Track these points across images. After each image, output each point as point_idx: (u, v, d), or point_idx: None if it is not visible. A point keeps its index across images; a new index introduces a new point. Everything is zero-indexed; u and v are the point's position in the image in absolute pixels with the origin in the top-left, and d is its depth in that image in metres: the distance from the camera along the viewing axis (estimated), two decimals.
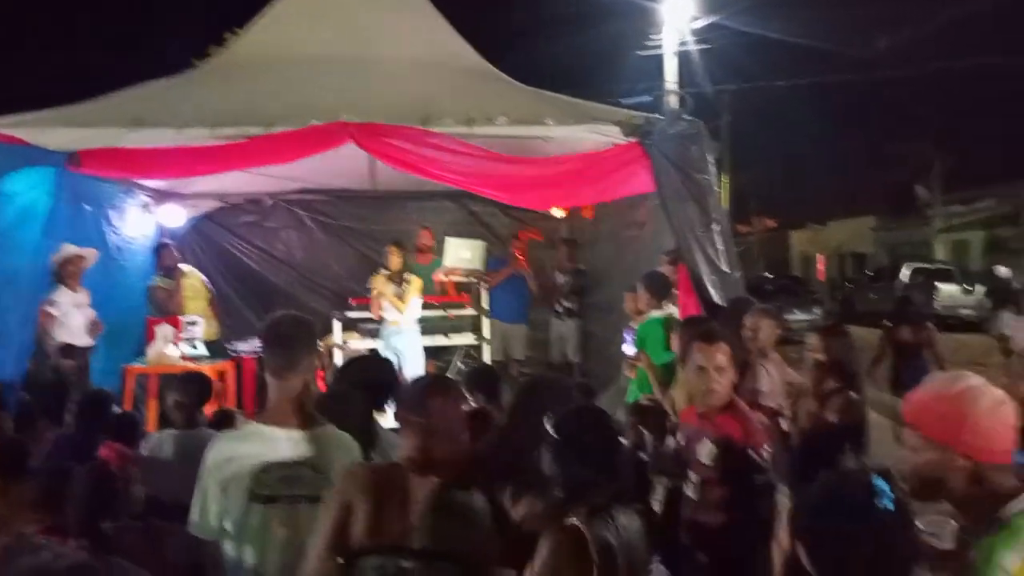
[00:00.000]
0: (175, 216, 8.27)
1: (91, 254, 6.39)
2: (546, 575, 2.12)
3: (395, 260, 7.25)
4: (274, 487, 2.50)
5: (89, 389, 5.20)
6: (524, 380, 3.87)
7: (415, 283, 7.35)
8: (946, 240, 30.01)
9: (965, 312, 22.33)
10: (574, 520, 2.20)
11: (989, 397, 1.86)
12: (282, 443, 2.53)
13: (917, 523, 2.21)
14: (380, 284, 7.28)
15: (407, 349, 7.31)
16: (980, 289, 22.72)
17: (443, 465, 2.30)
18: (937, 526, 2.19)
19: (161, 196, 8.12)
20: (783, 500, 4.65)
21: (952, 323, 21.58)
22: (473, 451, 3.05)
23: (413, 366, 7.23)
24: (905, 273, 24.39)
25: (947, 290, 22.94)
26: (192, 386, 4.00)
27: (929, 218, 31.06)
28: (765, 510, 3.03)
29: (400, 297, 7.23)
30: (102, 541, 2.78)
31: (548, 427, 2.37)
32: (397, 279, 7.23)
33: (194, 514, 2.55)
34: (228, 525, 2.53)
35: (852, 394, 4.05)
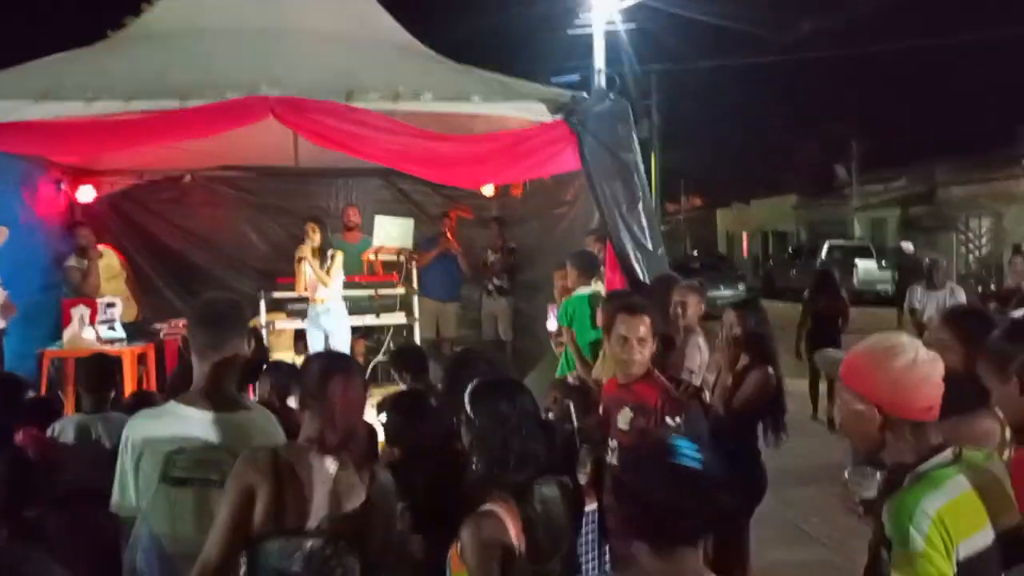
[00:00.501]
0: (90, 194, 7.96)
1: (1, 233, 6.12)
2: (471, 564, 2.13)
3: (316, 236, 7.12)
4: (187, 469, 2.44)
5: (1, 373, 5.00)
6: (454, 354, 3.88)
7: (338, 257, 7.25)
8: (864, 218, 31.04)
9: (881, 287, 23.23)
10: (490, 506, 2.21)
11: (909, 355, 1.92)
12: (199, 425, 2.47)
13: (845, 473, 2.31)
14: (304, 253, 7.11)
15: (335, 328, 7.22)
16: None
17: (344, 445, 2.29)
18: (862, 476, 2.29)
19: (75, 173, 7.82)
20: None
21: (868, 298, 22.43)
22: (397, 430, 3.06)
23: (340, 344, 7.15)
24: (824, 250, 25.20)
25: (864, 266, 23.81)
26: (95, 369, 3.87)
27: (847, 197, 32.06)
28: None
29: (327, 271, 7.12)
30: (23, 529, 2.70)
31: (465, 403, 2.37)
32: (320, 256, 7.11)
33: (115, 493, 2.51)
34: (144, 505, 2.48)
35: (769, 369, 4.17)
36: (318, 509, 2.23)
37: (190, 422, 2.47)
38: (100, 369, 3.91)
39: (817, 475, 6.79)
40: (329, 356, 2.67)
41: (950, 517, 1.81)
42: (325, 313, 7.20)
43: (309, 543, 2.20)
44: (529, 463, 2.28)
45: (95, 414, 3.68)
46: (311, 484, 2.24)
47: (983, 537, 1.85)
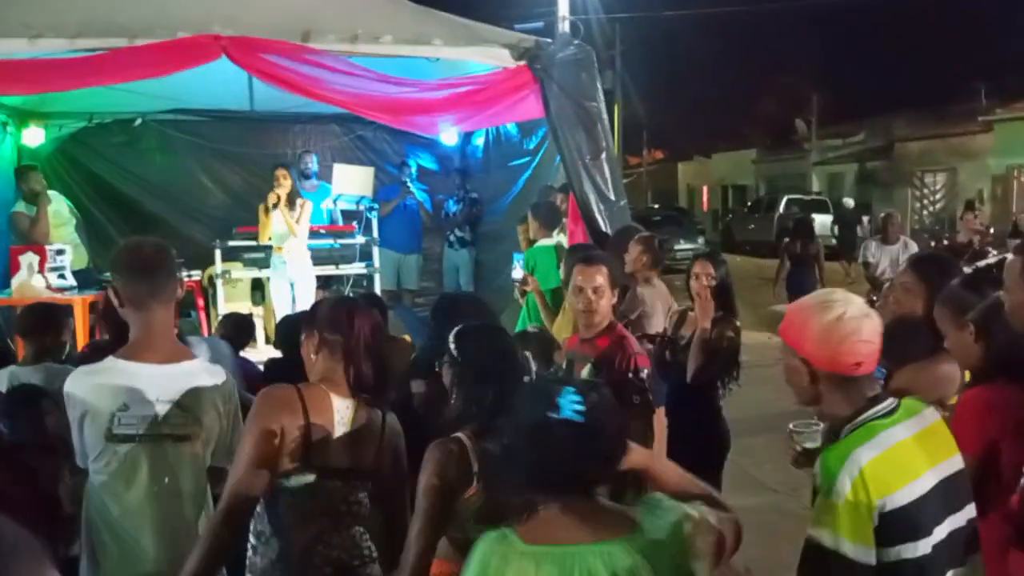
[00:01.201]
0: (37, 136, 7.68)
1: None
2: (428, 484, 2.16)
3: (287, 184, 6.97)
4: (135, 426, 2.37)
5: None
6: (436, 299, 3.87)
7: (308, 206, 7.12)
8: (821, 172, 31.36)
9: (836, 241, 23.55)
10: (458, 434, 2.24)
11: (837, 311, 1.90)
12: (144, 379, 2.38)
13: (790, 425, 2.36)
14: (274, 200, 6.96)
15: (300, 278, 7.12)
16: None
17: (361, 384, 2.35)
18: (806, 427, 2.33)
19: (21, 115, 7.53)
20: (661, 420, 4.83)
21: (825, 252, 22.76)
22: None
23: (306, 295, 7.07)
24: (782, 204, 25.46)
25: (821, 221, 24.09)
26: (35, 318, 3.73)
27: (806, 151, 32.31)
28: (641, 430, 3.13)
29: (297, 220, 6.99)
30: None
31: (450, 344, 2.38)
32: (290, 202, 6.97)
33: (76, 446, 2.46)
34: (91, 464, 2.43)
35: (736, 321, 4.20)
36: (337, 447, 2.29)
37: (134, 377, 2.38)
38: (42, 317, 3.76)
39: (770, 424, 6.91)
40: (349, 298, 2.70)
41: (878, 470, 1.82)
42: (291, 263, 7.08)
43: (330, 481, 2.27)
44: (505, 404, 2.28)
45: (35, 364, 3.56)
46: (332, 423, 2.29)
47: (920, 485, 1.87)
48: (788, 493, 5.76)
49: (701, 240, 22.78)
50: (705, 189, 40.16)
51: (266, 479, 2.21)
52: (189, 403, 2.41)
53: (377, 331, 2.43)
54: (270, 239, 7.10)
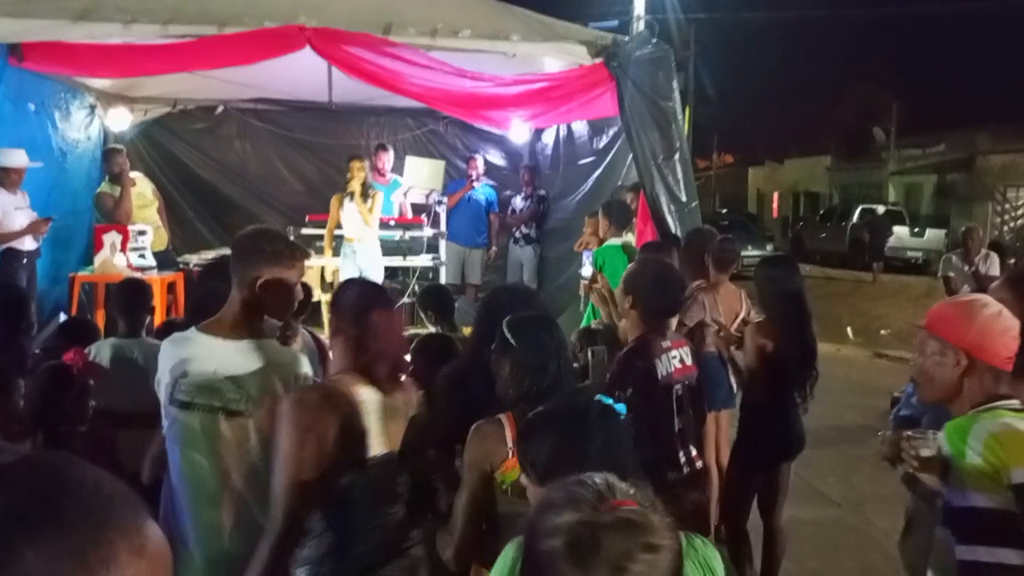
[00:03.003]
0: (123, 120, 7.94)
1: (21, 156, 6.11)
2: (471, 461, 2.27)
3: (360, 174, 7.11)
4: (190, 394, 2.44)
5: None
6: (487, 293, 3.89)
7: (379, 197, 7.25)
8: (899, 183, 30.48)
9: (912, 255, 22.91)
10: (499, 416, 2.30)
11: (995, 307, 2.10)
12: (206, 350, 2.46)
13: (906, 432, 2.33)
14: (353, 188, 7.09)
15: (370, 267, 7.25)
16: (929, 232, 23.35)
17: (389, 373, 2.36)
18: (921, 434, 2.31)
19: (109, 98, 7.80)
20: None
21: (899, 265, 22.15)
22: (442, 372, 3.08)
23: (374, 280, 7.19)
24: (856, 214, 24.82)
25: (897, 232, 23.45)
26: (130, 294, 3.89)
27: (883, 161, 31.44)
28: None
29: (370, 210, 7.13)
30: (56, 444, 2.75)
31: (505, 331, 2.39)
32: (363, 193, 7.11)
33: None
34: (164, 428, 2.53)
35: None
36: (371, 437, 2.30)
37: (199, 347, 2.47)
38: (137, 293, 3.93)
39: (835, 437, 6.78)
40: (366, 285, 2.67)
41: (1006, 440, 1.93)
42: (362, 252, 7.21)
43: (372, 470, 2.29)
44: (556, 391, 2.30)
45: (131, 338, 3.71)
46: (360, 414, 2.29)
47: None
48: (851, 508, 5.64)
49: (769, 247, 22.36)
50: (775, 195, 39.42)
51: (315, 482, 2.21)
52: (245, 380, 2.44)
53: (392, 323, 2.42)
54: (339, 227, 7.23)
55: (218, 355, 2.45)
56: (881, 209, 24.31)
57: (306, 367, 2.62)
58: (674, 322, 3.41)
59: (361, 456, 2.29)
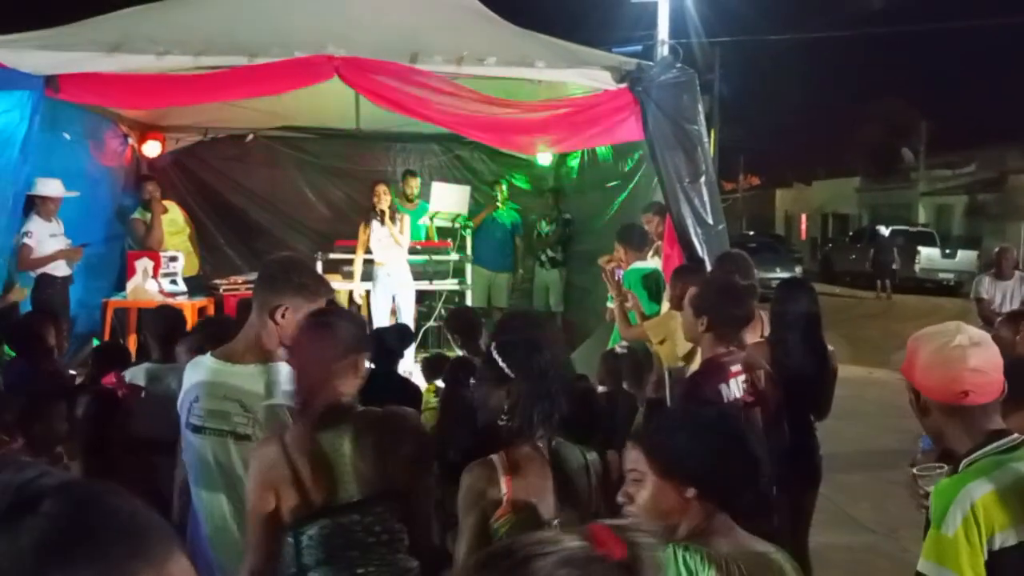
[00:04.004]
0: (155, 148, 8.11)
1: (57, 185, 6.24)
2: (465, 505, 2.16)
3: (386, 197, 7.20)
4: (202, 418, 2.46)
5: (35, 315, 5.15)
6: (501, 316, 3.88)
7: (407, 219, 7.35)
8: (929, 203, 30.15)
9: (944, 276, 22.62)
10: (492, 456, 2.20)
11: (943, 339, 1.90)
12: (217, 375, 2.48)
13: (913, 470, 2.28)
14: (382, 208, 7.23)
15: (401, 291, 7.32)
16: (961, 254, 23.05)
17: (325, 409, 2.20)
18: (928, 470, 2.27)
19: (141, 128, 7.97)
20: None
21: (930, 286, 21.88)
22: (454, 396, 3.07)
23: (406, 308, 7.26)
24: (886, 235, 24.61)
25: (927, 253, 23.19)
26: (165, 321, 3.97)
27: (913, 181, 31.14)
28: None
29: (400, 232, 7.23)
30: (100, 470, 2.79)
31: (496, 358, 2.29)
32: (391, 216, 7.18)
33: None
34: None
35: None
36: (343, 479, 2.17)
37: (211, 372, 2.49)
38: (171, 320, 4.02)
39: (868, 461, 6.68)
40: (320, 313, 2.47)
41: (991, 507, 1.78)
42: (393, 275, 7.29)
43: (346, 517, 2.15)
44: (547, 422, 2.22)
45: (165, 363, 3.77)
46: (327, 457, 2.16)
47: None
48: (885, 534, 5.54)
49: (798, 269, 22.19)
50: (803, 217, 39.16)
51: (274, 534, 2.14)
52: (251, 404, 2.44)
53: (314, 349, 2.23)
54: (368, 252, 7.30)
55: (228, 380, 2.47)
56: (886, 230, 24.73)
57: None
58: (746, 335, 3.37)
59: (328, 504, 2.15)
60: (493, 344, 2.37)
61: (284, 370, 2.49)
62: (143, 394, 3.50)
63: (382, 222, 7.17)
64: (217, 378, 2.47)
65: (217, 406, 2.45)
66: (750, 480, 1.80)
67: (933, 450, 2.20)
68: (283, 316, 2.44)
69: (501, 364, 2.25)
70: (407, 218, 7.37)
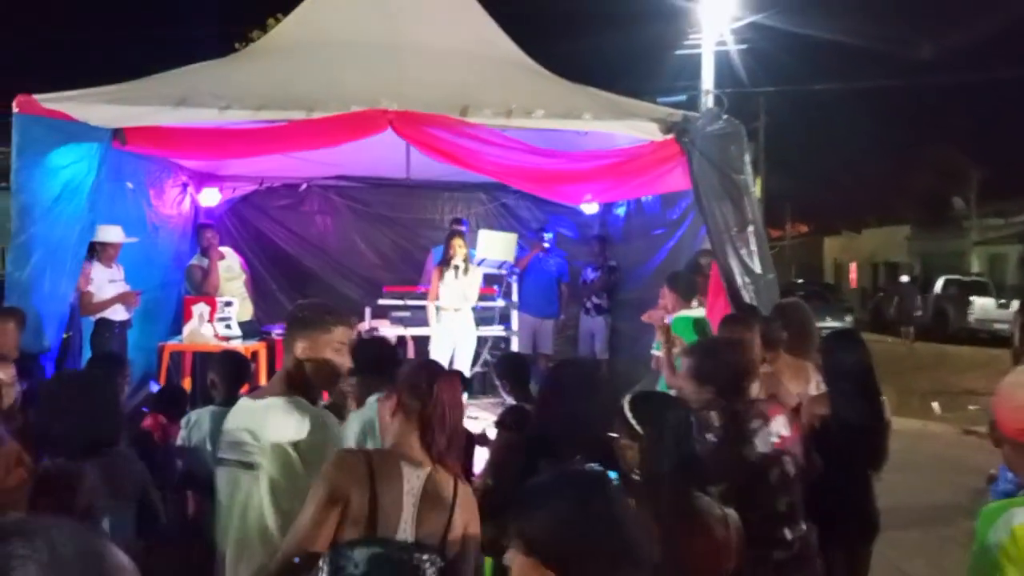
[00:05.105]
0: (213, 197, 8.38)
1: (118, 231, 6.47)
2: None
3: (461, 250, 7.44)
4: (224, 450, 2.61)
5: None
6: (552, 366, 3.89)
7: (480, 271, 7.55)
8: (982, 252, 29.52)
9: (999, 326, 22.02)
10: None
11: (1016, 377, 2.03)
12: (238, 410, 2.65)
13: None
14: (457, 262, 7.46)
15: (464, 337, 7.43)
16: (1016, 304, 22.47)
17: (438, 454, 2.28)
18: None
19: (200, 177, 8.25)
20: None
21: (984, 337, 21.31)
22: (517, 440, 3.08)
23: (465, 355, 7.37)
24: (939, 284, 24.12)
25: (981, 303, 22.64)
26: (231, 365, 4.09)
27: (965, 230, 30.57)
28: None
29: (471, 285, 7.44)
30: (144, 510, 2.86)
31: (626, 411, 2.35)
32: (464, 267, 7.38)
33: None
34: None
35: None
36: (406, 519, 2.21)
37: (237, 408, 2.68)
38: (237, 364, 4.16)
39: (923, 516, 6.50)
40: (431, 361, 2.69)
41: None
42: (458, 322, 7.43)
43: (397, 553, 2.17)
44: (693, 474, 2.26)
45: (229, 406, 3.87)
46: (401, 493, 2.22)
47: None
48: None
49: (849, 318, 21.84)
50: (853, 265, 38.58)
51: (325, 543, 2.15)
52: (260, 434, 2.52)
53: (455, 398, 2.34)
54: (437, 298, 7.45)
55: (246, 413, 2.61)
56: (905, 278, 25.13)
57: (333, 430, 2.65)
58: (755, 387, 3.35)
59: (386, 536, 2.18)
60: (626, 401, 2.41)
61: (302, 404, 2.58)
62: (179, 440, 3.60)
63: (456, 275, 7.33)
64: (239, 412, 2.64)
65: (234, 437, 2.59)
66: (622, 567, 1.58)
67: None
68: (303, 352, 2.59)
69: (632, 421, 2.32)
70: (480, 272, 7.53)
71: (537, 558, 1.57)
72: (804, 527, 3.09)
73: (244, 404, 2.67)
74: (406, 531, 2.21)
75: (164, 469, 3.38)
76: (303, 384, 2.60)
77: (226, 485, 2.56)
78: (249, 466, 2.50)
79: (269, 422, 2.52)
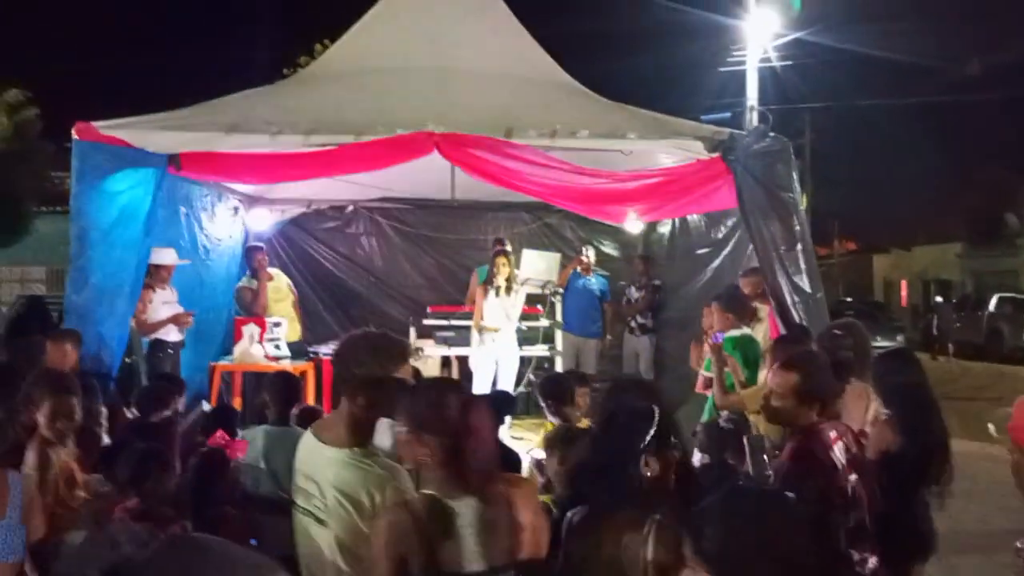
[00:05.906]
0: (263, 220, 8.54)
1: (171, 254, 6.62)
2: None
3: (505, 269, 7.47)
4: (295, 494, 2.62)
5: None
6: (606, 385, 3.87)
7: (523, 292, 7.57)
8: None
9: None
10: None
11: None
12: (312, 454, 2.59)
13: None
14: (499, 282, 7.50)
15: (507, 358, 7.45)
16: None
17: (480, 478, 2.22)
18: None
19: (250, 200, 8.41)
20: None
21: None
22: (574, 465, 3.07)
23: (508, 374, 7.41)
24: (993, 303, 23.50)
25: None
26: (284, 385, 4.16)
27: (1018, 247, 29.79)
28: None
29: (514, 305, 7.48)
30: (203, 525, 2.91)
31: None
32: (508, 289, 7.43)
33: None
34: None
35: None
36: (467, 552, 2.17)
37: (303, 448, 2.64)
38: (290, 385, 4.23)
39: (981, 542, 6.31)
40: (451, 386, 2.53)
41: None
42: (500, 342, 7.46)
43: None
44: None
45: (281, 426, 3.94)
46: (455, 529, 2.17)
47: None
48: None
49: (900, 338, 21.35)
50: (904, 283, 37.78)
51: None
52: (324, 490, 2.49)
53: (474, 415, 2.25)
54: (482, 319, 7.48)
55: (313, 458, 2.57)
56: (939, 298, 25.74)
57: (405, 481, 2.52)
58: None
59: (455, 571, 2.15)
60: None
61: (370, 458, 2.51)
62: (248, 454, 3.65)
63: (497, 294, 7.36)
64: (308, 455, 2.60)
65: (303, 484, 2.58)
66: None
67: None
68: (370, 404, 2.51)
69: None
70: (523, 292, 7.56)
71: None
72: (868, 555, 3.04)
73: (311, 445, 2.58)
74: (472, 563, 2.17)
75: (234, 485, 3.44)
76: (369, 429, 2.49)
77: (301, 534, 2.57)
78: (319, 520, 2.51)
79: (333, 479, 2.49)
